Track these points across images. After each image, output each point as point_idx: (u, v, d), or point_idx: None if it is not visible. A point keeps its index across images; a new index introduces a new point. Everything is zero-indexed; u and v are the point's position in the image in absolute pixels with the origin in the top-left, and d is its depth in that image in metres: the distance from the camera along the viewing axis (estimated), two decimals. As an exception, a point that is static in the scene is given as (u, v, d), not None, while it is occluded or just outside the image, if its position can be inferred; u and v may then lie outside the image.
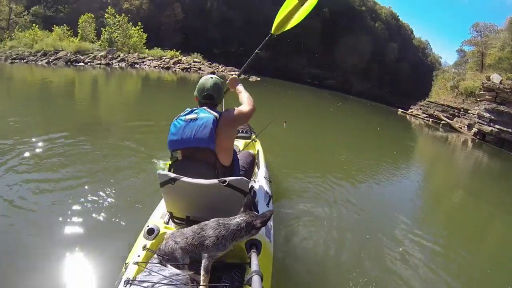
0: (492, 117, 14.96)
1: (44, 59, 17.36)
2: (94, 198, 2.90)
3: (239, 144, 3.25)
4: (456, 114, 18.96)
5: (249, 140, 3.42)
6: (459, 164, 10.09)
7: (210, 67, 22.87)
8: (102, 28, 21.74)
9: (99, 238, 2.39)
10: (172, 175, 1.68)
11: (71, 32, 21.17)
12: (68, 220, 2.56)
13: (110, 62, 18.72)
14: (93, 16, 22.44)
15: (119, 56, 19.79)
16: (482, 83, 16.30)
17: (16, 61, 16.60)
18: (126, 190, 3.18)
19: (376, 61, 38.09)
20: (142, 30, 22.50)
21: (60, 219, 2.55)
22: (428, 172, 7.87)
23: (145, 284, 1.36)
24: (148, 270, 1.46)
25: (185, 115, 1.85)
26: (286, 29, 2.60)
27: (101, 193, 3.01)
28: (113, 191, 3.09)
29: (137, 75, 16.81)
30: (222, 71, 22.24)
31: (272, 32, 2.63)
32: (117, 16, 22.24)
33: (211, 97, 1.95)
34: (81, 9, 23.71)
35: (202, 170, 1.73)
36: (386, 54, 39.63)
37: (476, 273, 3.15)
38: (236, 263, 1.67)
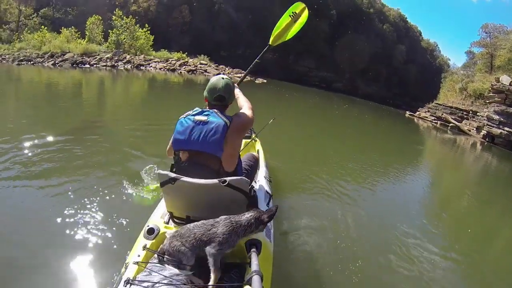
0: (502, 119, 14.65)
1: (51, 60, 17.61)
2: (94, 198, 2.91)
3: None
4: (465, 116, 18.63)
5: (249, 140, 3.41)
6: (467, 167, 9.91)
7: (216, 69, 22.93)
8: (109, 30, 21.96)
9: (99, 238, 2.39)
10: (172, 175, 1.67)
11: (79, 34, 21.47)
12: (68, 220, 2.56)
13: (115, 64, 18.88)
14: (100, 18, 22.74)
15: (125, 58, 19.96)
16: (492, 85, 16.00)
17: (23, 62, 16.89)
18: (126, 190, 3.19)
19: (384, 63, 37.81)
20: (149, 32, 22.69)
21: (60, 219, 2.56)
22: (436, 175, 7.74)
23: (145, 284, 1.36)
24: (148, 270, 1.45)
25: (194, 114, 1.80)
26: (282, 41, 2.89)
27: (101, 193, 3.02)
28: (113, 191, 3.10)
29: (143, 77, 16.94)
30: (228, 73, 22.28)
31: (270, 43, 2.87)
32: (124, 18, 22.45)
33: (222, 99, 1.91)
34: (89, 11, 24.07)
35: (205, 174, 1.70)
36: (394, 56, 39.28)
37: (480, 277, 3.08)
38: (236, 263, 1.66)
